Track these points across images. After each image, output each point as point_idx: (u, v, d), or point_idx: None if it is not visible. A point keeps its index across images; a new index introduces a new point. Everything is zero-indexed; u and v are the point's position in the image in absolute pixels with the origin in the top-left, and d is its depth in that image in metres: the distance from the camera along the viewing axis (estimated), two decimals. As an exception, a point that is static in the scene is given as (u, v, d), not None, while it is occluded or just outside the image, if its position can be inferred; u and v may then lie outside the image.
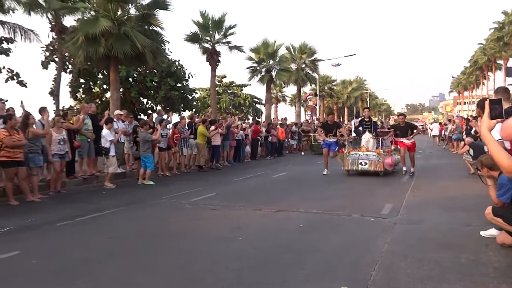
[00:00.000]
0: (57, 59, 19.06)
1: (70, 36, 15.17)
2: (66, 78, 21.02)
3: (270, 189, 9.95)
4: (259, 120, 27.61)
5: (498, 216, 4.64)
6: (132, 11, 15.20)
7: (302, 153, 21.87)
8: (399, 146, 11.86)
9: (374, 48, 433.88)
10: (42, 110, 9.49)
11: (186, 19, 22.42)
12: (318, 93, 39.29)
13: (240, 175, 12.45)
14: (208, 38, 22.47)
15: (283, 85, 41.48)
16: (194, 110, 24.20)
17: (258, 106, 48.97)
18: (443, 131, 27.65)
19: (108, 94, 19.60)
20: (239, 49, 23.61)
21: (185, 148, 13.61)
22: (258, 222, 6.27)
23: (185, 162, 13.82)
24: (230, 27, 22.43)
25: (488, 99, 2.38)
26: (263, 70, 29.11)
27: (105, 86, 20.78)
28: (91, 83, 21.01)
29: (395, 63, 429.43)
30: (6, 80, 19.06)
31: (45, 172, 9.67)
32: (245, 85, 46.62)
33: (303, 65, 34.09)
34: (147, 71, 20.57)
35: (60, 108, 18.19)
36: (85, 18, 14.79)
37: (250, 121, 28.48)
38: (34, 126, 8.79)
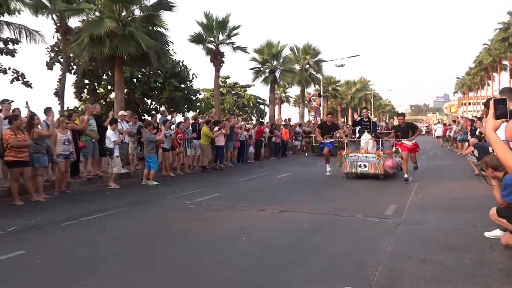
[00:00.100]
0: (62, 60, 19.14)
1: (75, 37, 15.24)
2: (70, 79, 21.11)
3: (273, 189, 9.95)
4: (263, 121, 27.63)
5: (503, 217, 4.62)
6: (137, 12, 15.30)
7: (306, 154, 21.85)
8: (400, 149, 11.21)
9: (378, 49, 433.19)
10: (47, 111, 9.56)
11: (190, 20, 22.41)
12: (322, 93, 39.22)
13: (243, 176, 12.47)
14: (212, 39, 22.51)
15: (287, 86, 41.52)
16: (198, 111, 24.23)
17: (262, 107, 48.96)
18: (447, 132, 27.56)
19: (112, 95, 19.68)
20: (243, 50, 23.64)
21: (189, 148, 13.64)
22: (262, 222, 6.28)
23: (189, 163, 13.85)
24: (234, 28, 22.47)
25: (492, 99, 2.38)
26: (267, 71, 29.13)
27: (109, 87, 20.86)
28: (95, 84, 21.08)
29: (399, 64, 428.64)
30: (12, 81, 19.16)
31: (50, 172, 9.72)
32: (249, 86, 46.61)
33: (307, 66, 34.07)
34: (151, 72, 20.62)
35: (65, 108, 18.29)
36: (89, 19, 14.87)
37: (254, 122, 28.50)
38: (39, 126, 8.85)
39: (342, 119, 48.17)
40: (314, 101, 39.55)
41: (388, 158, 11.07)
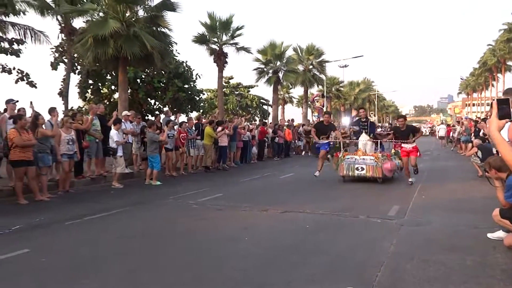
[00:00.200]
0: (66, 60, 19.28)
1: (79, 37, 15.33)
2: (75, 79, 21.27)
3: (276, 190, 9.96)
4: (266, 121, 27.63)
5: (506, 218, 4.62)
6: (141, 12, 15.38)
7: (309, 154, 21.80)
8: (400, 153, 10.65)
9: (382, 49, 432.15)
10: (52, 111, 9.60)
11: (194, 21, 22.56)
12: (325, 94, 39.19)
13: (246, 176, 12.48)
14: (215, 39, 22.56)
15: (290, 87, 41.48)
16: (201, 111, 24.29)
17: (265, 107, 49.00)
18: (450, 133, 27.48)
19: (116, 95, 19.78)
20: (247, 50, 23.68)
21: (192, 149, 13.66)
22: (265, 222, 6.28)
23: (192, 163, 13.88)
24: (238, 28, 22.52)
25: (496, 99, 2.38)
26: (270, 71, 29.14)
27: (113, 87, 20.97)
28: (99, 84, 21.20)
29: (403, 64, 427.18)
30: (17, 81, 19.33)
31: (54, 172, 9.77)
32: (252, 86, 46.66)
33: (310, 66, 34.03)
34: (155, 72, 20.72)
35: (69, 108, 18.38)
36: (94, 19, 14.95)
37: (257, 122, 28.51)
38: (43, 126, 8.90)
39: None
40: (317, 101, 39.53)
41: (386, 160, 10.48)
